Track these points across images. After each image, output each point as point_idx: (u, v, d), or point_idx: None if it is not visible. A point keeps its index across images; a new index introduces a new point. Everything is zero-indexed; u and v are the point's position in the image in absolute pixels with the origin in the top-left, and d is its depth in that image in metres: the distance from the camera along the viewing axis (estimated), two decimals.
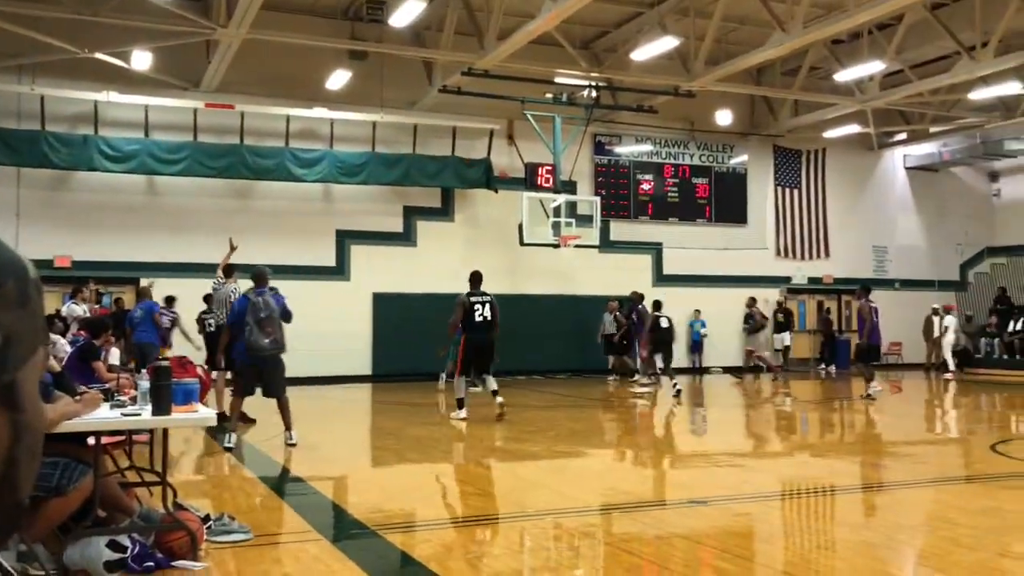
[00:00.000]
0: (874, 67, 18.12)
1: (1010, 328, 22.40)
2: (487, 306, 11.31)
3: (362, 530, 5.66)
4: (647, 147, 22.40)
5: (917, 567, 5.17)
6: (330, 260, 19.45)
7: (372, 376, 19.33)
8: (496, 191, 20.06)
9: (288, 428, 9.23)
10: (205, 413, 5.16)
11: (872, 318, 15.19)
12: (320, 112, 18.66)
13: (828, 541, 5.78)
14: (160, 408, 4.62)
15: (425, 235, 20.25)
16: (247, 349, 8.98)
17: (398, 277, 19.73)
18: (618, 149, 22.12)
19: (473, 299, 11.35)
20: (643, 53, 17.09)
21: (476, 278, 11.62)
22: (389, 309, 19.55)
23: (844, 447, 10.87)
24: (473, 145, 20.18)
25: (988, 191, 26.56)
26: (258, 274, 9.29)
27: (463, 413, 11.38)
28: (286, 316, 9.20)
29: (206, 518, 5.20)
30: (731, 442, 10.97)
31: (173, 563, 4.55)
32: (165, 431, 5.20)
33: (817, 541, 5.82)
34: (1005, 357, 23.04)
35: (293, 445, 9.11)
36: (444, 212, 20.49)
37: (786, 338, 22.71)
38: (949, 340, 22.33)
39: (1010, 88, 18.85)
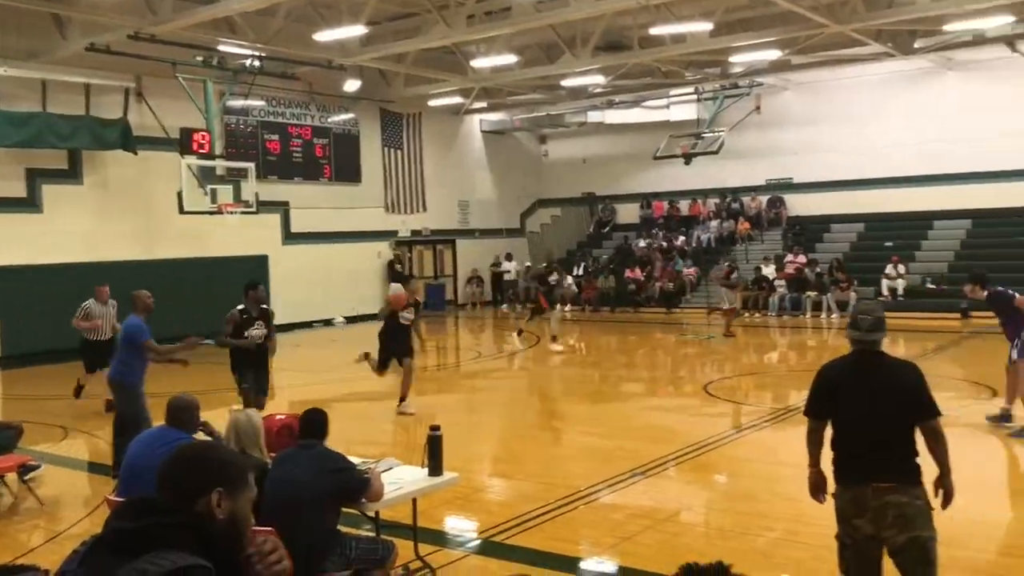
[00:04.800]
0: (355, 30, 17.84)
1: (574, 272, 27.32)
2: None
3: None
4: (272, 108, 22.76)
5: None
6: None
7: (3, 358, 17.54)
8: (135, 153, 19.08)
9: None
10: None
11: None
12: None
13: None
14: None
15: (53, 201, 18.55)
16: None
17: (23, 247, 17.93)
18: (245, 108, 22.14)
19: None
20: None
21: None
22: (16, 283, 17.73)
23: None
24: (104, 103, 18.85)
25: (539, 152, 31.38)
26: None
27: None
28: None
29: None
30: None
31: None
32: None
33: None
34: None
35: None
36: (72, 175, 18.92)
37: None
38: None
39: (594, 79, 23.13)
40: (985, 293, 9.45)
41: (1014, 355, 9.13)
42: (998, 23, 18.68)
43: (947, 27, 19.17)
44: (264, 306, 9.73)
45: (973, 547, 5.89)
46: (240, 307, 9.58)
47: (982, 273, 9.94)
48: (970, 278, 9.85)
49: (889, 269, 21.99)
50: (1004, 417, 9.46)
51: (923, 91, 23.82)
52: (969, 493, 4.52)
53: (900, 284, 21.65)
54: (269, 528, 4.67)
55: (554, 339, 18.00)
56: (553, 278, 19.62)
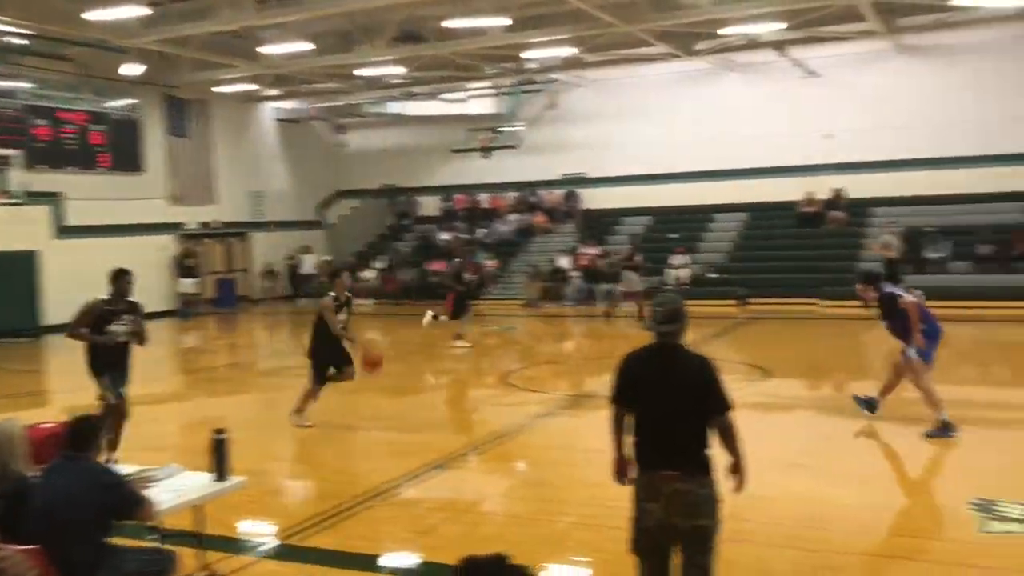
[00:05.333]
0: (133, 10, 16.53)
1: (375, 265, 26.93)
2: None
3: None
4: (41, 91, 20.95)
5: None
6: None
7: None
8: None
9: None
10: None
11: None
12: None
13: None
14: None
15: None
16: None
17: None
18: (10, 90, 20.25)
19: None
20: None
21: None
22: None
23: None
24: None
25: (337, 142, 30.71)
26: None
27: None
28: None
29: None
30: None
31: None
32: None
33: None
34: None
35: None
36: None
37: (190, 284, 23.91)
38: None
39: (392, 69, 22.83)
40: (876, 295, 9.16)
41: (911, 353, 8.89)
42: (769, 28, 20.04)
43: (724, 31, 20.36)
44: (131, 299, 8.62)
45: (755, 520, 6.21)
46: (103, 297, 8.50)
47: (877, 274, 9.74)
48: (862, 278, 9.61)
49: (674, 259, 23.14)
50: (868, 404, 9.41)
51: (706, 91, 25.21)
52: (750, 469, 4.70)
53: (684, 273, 22.83)
54: (33, 545, 4.24)
55: (458, 336, 17.02)
56: (465, 276, 17.50)
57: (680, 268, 22.94)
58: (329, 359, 10.16)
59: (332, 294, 10.14)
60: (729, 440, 4.32)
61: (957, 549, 5.89)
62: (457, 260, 18.02)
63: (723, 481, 4.33)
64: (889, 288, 9.21)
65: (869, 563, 5.83)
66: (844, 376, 13.37)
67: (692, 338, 11.01)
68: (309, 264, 27.33)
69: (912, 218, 22.25)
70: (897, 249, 18.83)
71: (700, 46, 22.39)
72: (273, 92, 26.38)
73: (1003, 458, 8.21)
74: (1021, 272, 19.55)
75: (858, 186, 23.39)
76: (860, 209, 23.33)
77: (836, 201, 23.61)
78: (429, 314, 16.99)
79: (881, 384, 9.51)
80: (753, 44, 22.16)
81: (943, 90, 22.70)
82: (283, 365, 15.98)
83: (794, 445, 8.78)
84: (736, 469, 4.37)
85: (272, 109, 28.12)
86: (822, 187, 23.78)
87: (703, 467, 4.23)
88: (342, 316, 10.05)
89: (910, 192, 22.71)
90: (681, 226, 24.93)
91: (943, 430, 8.64)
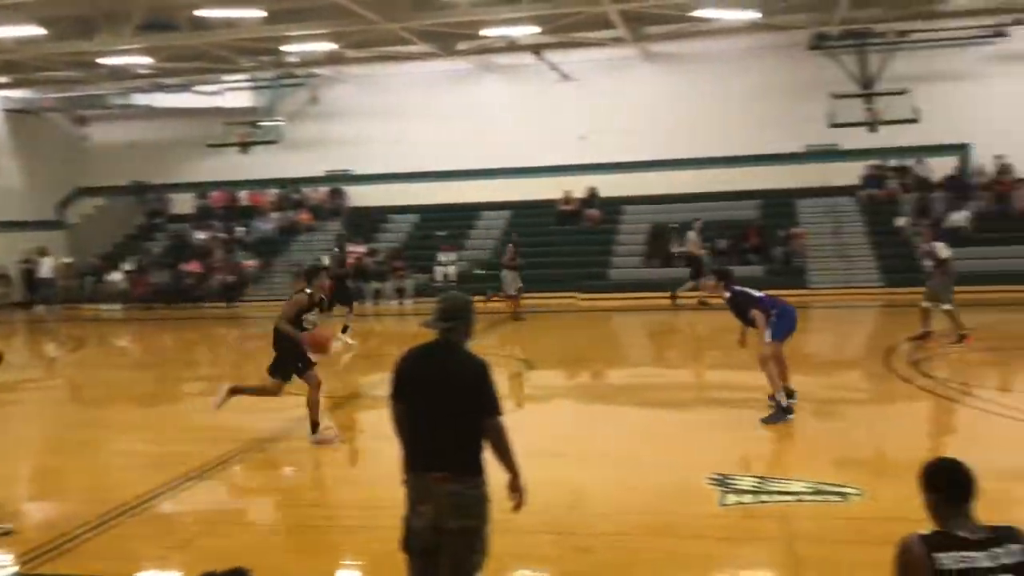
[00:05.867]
0: None
1: (122, 267, 25.16)
2: None
3: None
4: None
5: None
6: None
7: None
8: None
9: None
10: None
11: None
12: None
13: None
14: None
15: None
16: None
17: None
18: None
19: None
20: None
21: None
22: None
23: None
24: None
25: (78, 135, 28.44)
26: None
27: None
28: None
29: None
30: None
31: None
32: None
33: None
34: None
35: None
36: None
37: None
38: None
39: (138, 59, 21.42)
40: (728, 294, 9.25)
41: (767, 338, 8.98)
42: (526, 32, 20.70)
43: (483, 32, 20.80)
44: None
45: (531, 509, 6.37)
46: None
47: (727, 271, 9.69)
48: (714, 274, 9.62)
49: (441, 256, 23.40)
50: (788, 397, 9.13)
51: (468, 91, 25.66)
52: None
53: (452, 270, 23.13)
54: None
55: (344, 329, 15.98)
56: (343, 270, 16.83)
57: (448, 265, 23.22)
58: (296, 358, 9.13)
59: (308, 291, 9.22)
60: (500, 448, 4.20)
61: (698, 523, 6.34)
62: (336, 250, 17.09)
63: (496, 482, 4.29)
64: (739, 288, 9.33)
65: (619, 541, 6.15)
66: (601, 365, 14.06)
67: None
68: (47, 267, 25.13)
69: (659, 215, 23.80)
70: (698, 244, 20.20)
71: (461, 46, 22.75)
72: (1, 79, 24.04)
73: (734, 435, 8.95)
74: (753, 264, 21.42)
75: (611, 185, 24.69)
76: (613, 207, 24.65)
77: (591, 200, 24.80)
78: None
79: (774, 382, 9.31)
80: (512, 47, 22.81)
81: (686, 96, 24.46)
82: (15, 378, 14.62)
83: (555, 433, 9.11)
84: (514, 485, 4.27)
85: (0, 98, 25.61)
86: (579, 186, 24.90)
87: (473, 468, 4.16)
88: (312, 316, 9.23)
89: (658, 191, 24.28)
90: (448, 224, 25.24)
91: (779, 414, 8.90)
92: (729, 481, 7.00)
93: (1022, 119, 22.17)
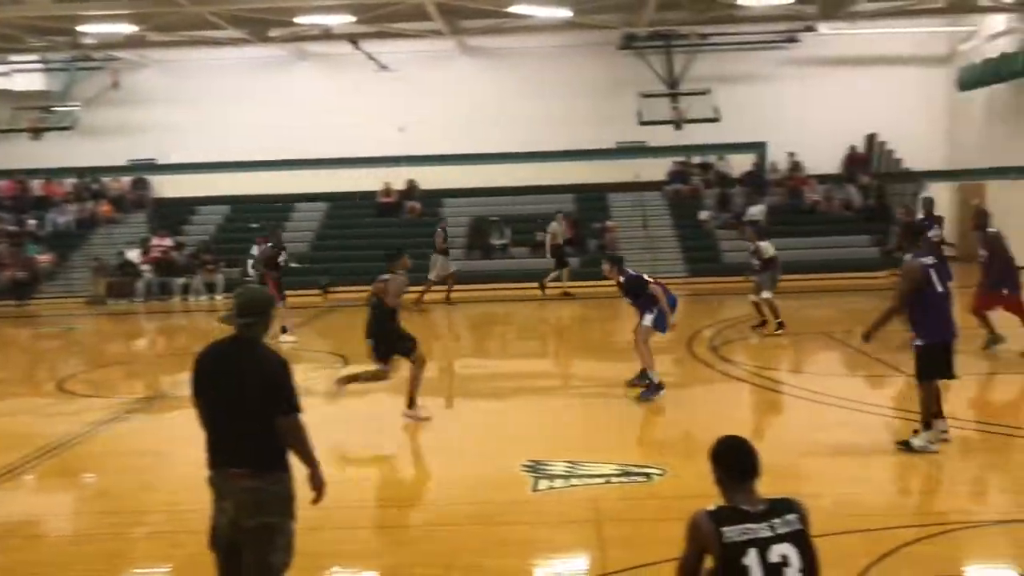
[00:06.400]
0: None
1: None
2: None
3: None
4: None
5: None
6: None
7: None
8: None
9: None
10: None
11: None
12: None
13: None
14: None
15: None
16: None
17: None
18: None
19: None
20: None
21: None
22: None
23: None
24: None
25: None
26: None
27: None
28: None
29: None
30: None
31: None
32: None
33: None
34: None
35: None
36: None
37: None
38: None
39: None
40: (622, 278, 9.87)
41: (647, 322, 9.64)
42: (342, 21, 20.33)
43: (297, 19, 20.27)
44: None
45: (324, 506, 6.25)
46: None
47: (620, 257, 10.72)
48: (608, 260, 10.37)
49: (255, 250, 22.59)
50: (643, 381, 9.73)
51: (283, 79, 24.94)
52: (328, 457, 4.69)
53: None
54: None
55: (284, 330, 14.49)
56: (282, 259, 15.37)
57: None
58: (402, 339, 9.09)
59: (400, 272, 9.22)
60: (298, 445, 4.19)
61: (514, 509, 6.45)
62: (270, 245, 15.75)
63: (300, 480, 4.27)
64: (634, 272, 10.11)
65: (438, 532, 6.17)
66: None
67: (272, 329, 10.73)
68: None
69: (478, 208, 24.04)
70: (562, 235, 20.45)
71: (274, 33, 22.08)
72: None
73: (549, 422, 9.19)
74: (569, 255, 21.98)
75: (431, 177, 24.70)
76: (433, 200, 24.68)
77: (411, 192, 24.72)
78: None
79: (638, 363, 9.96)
80: (328, 35, 22.35)
81: (504, 90, 24.81)
82: None
83: (373, 428, 9.01)
84: (313, 479, 4.28)
85: None
86: (398, 178, 24.75)
87: (274, 464, 4.14)
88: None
89: (477, 184, 24.51)
90: (262, 216, 24.42)
91: (653, 390, 9.50)
92: (542, 467, 7.16)
93: (812, 119, 23.91)
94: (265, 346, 4.30)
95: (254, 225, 23.89)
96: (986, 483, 7.14)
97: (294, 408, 4.15)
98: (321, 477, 4.30)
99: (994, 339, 11.40)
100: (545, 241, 21.11)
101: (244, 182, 24.78)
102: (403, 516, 6.47)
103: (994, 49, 21.46)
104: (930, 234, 12.19)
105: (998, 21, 21.81)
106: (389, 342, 9.04)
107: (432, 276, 18.73)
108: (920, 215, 13.93)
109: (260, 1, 18.28)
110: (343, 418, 8.80)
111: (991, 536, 5.87)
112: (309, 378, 10.50)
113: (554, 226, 20.72)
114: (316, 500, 4.32)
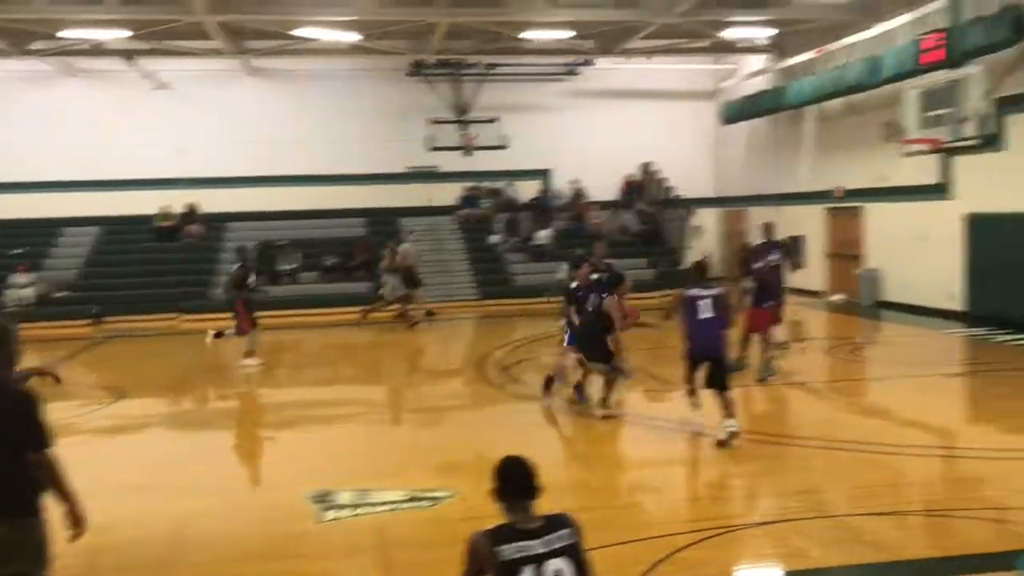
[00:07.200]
0: None
1: None
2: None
3: None
4: None
5: None
6: None
7: None
8: None
9: None
10: None
11: None
12: None
13: None
14: None
15: None
16: None
17: None
18: None
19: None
20: None
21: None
22: None
23: None
24: None
25: None
26: None
27: None
28: None
29: None
30: None
31: None
32: None
33: None
34: None
35: None
36: None
37: None
38: None
39: None
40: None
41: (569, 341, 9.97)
42: (114, 36, 19.23)
43: (62, 33, 18.98)
44: None
45: (79, 551, 5.83)
46: None
47: (583, 258, 10.93)
48: (572, 264, 10.89)
49: (17, 278, 20.85)
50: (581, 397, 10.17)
51: (47, 95, 23.26)
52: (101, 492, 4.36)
53: (28, 292, 20.68)
54: None
55: (249, 354, 13.89)
56: (251, 280, 14.38)
57: (24, 287, 20.73)
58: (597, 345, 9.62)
59: (575, 284, 9.92)
60: (54, 481, 3.98)
61: (297, 542, 6.26)
62: (239, 266, 14.12)
63: (59, 524, 3.99)
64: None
65: (216, 569, 5.89)
66: (202, 391, 13.41)
67: (39, 362, 9.92)
68: None
69: (266, 232, 23.32)
70: (414, 257, 19.70)
71: (37, 46, 20.56)
72: None
73: (334, 449, 9.03)
74: (360, 280, 21.79)
75: (214, 201, 23.74)
76: (217, 224, 23.71)
77: (192, 215, 23.64)
78: (211, 332, 14.84)
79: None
80: (99, 50, 21.09)
81: (293, 113, 24.33)
82: None
83: (148, 465, 8.49)
84: (71, 515, 4.05)
85: None
86: (179, 201, 23.63)
87: (21, 509, 3.88)
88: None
89: (265, 207, 23.81)
90: (24, 241, 22.54)
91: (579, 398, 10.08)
92: (328, 497, 7.01)
93: (592, 148, 25.02)
94: (9, 383, 4.02)
95: (16, 251, 22.05)
96: (755, 489, 7.68)
97: (45, 444, 3.94)
98: (80, 512, 4.08)
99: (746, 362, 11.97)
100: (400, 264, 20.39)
101: (3, 204, 22.81)
102: (179, 556, 6.12)
103: (752, 87, 23.40)
104: (769, 258, 12.89)
105: (755, 61, 23.81)
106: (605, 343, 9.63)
107: (386, 294, 19.09)
108: (761, 240, 14.17)
109: (18, 11, 16.97)
110: (112, 458, 8.25)
111: (755, 537, 6.32)
112: (73, 415, 9.78)
113: (406, 247, 20.10)
114: (75, 537, 4.08)
